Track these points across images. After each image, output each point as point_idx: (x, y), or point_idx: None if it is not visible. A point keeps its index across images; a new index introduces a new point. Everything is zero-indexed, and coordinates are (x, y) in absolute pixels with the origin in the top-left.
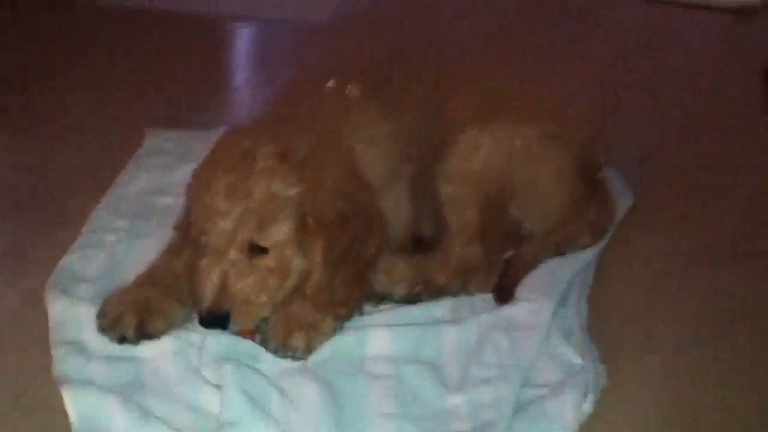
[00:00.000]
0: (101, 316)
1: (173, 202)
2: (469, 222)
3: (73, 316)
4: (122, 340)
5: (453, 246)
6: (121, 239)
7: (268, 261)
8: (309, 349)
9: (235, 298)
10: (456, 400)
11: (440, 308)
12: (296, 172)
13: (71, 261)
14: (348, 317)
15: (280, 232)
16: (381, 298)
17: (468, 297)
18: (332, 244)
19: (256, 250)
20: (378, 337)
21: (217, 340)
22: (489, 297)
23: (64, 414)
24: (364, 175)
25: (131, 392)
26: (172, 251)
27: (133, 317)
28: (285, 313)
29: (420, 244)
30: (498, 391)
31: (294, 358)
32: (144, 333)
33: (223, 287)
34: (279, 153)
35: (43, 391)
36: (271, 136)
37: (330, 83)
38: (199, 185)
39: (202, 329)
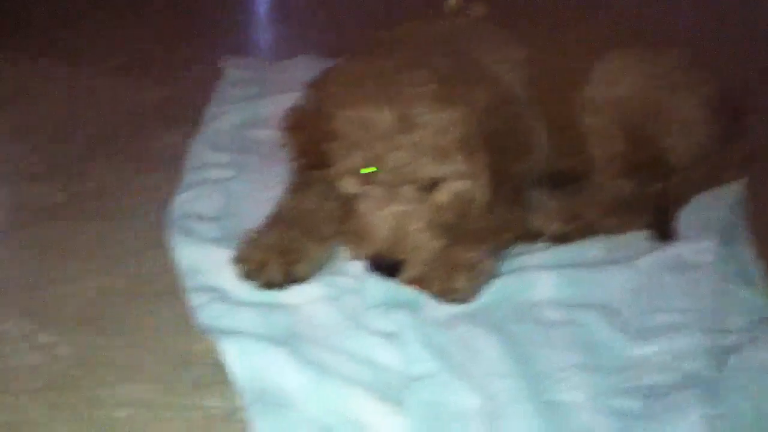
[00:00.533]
0: (242, 260)
1: (268, 135)
2: (618, 154)
3: (205, 261)
4: (269, 286)
5: (602, 181)
6: (231, 175)
7: (442, 196)
8: (473, 291)
9: (411, 242)
10: (644, 349)
11: (596, 248)
12: (454, 94)
13: (185, 200)
14: (510, 244)
15: (455, 161)
16: (534, 237)
17: (621, 235)
18: (494, 161)
19: (426, 185)
20: (542, 279)
21: (377, 285)
22: (643, 235)
23: (216, 367)
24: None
25: (290, 342)
26: (296, 188)
27: (279, 261)
28: (445, 253)
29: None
30: (691, 339)
31: (457, 301)
32: (291, 277)
33: (398, 230)
34: (434, 76)
35: (189, 343)
36: (410, 61)
37: (451, 1)
38: (339, 115)
39: (351, 272)
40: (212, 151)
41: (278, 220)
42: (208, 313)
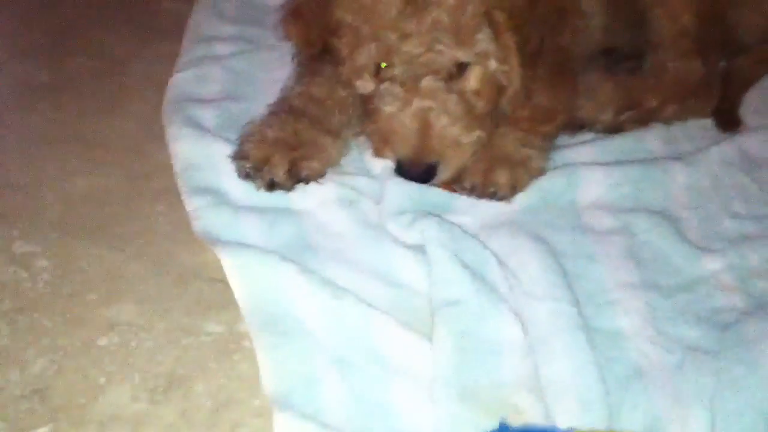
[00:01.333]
0: (241, 157)
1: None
2: (686, 29)
3: (204, 156)
4: (272, 186)
5: (666, 60)
6: (236, 51)
7: (471, 82)
8: (514, 188)
9: (444, 140)
10: (713, 264)
11: (653, 139)
12: None
13: (183, 81)
14: (555, 134)
15: (481, 40)
16: (580, 126)
17: (682, 124)
18: (525, 37)
19: (454, 74)
20: (591, 179)
21: (401, 187)
22: (708, 124)
23: (218, 285)
24: None
25: (301, 256)
26: (305, 73)
27: (283, 156)
28: (483, 148)
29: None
30: (766, 251)
31: (496, 197)
32: (298, 175)
33: (428, 128)
34: None
35: (188, 255)
36: None
37: None
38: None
39: (370, 171)
40: (217, 21)
41: (284, 108)
42: (206, 220)
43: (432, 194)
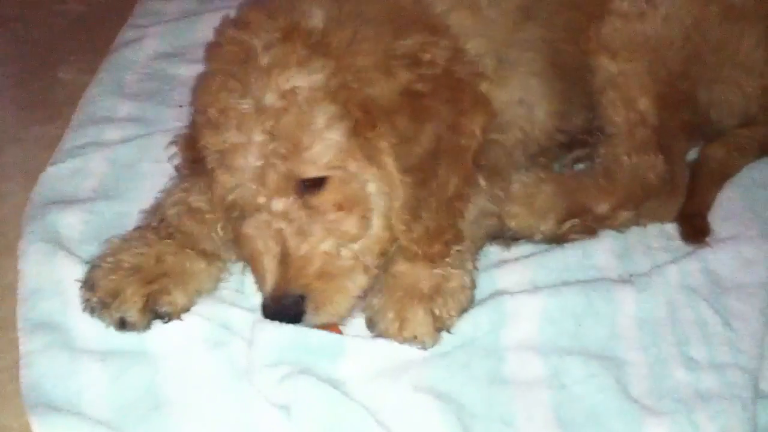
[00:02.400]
0: (88, 286)
1: (190, 72)
2: (643, 115)
3: (51, 279)
4: (122, 324)
5: (619, 154)
6: (127, 136)
7: (331, 195)
8: (439, 330)
9: (304, 270)
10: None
11: (603, 251)
12: (313, 46)
13: (56, 175)
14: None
15: (330, 144)
16: (514, 238)
17: (640, 231)
18: (405, 136)
19: (308, 188)
20: (520, 313)
21: (274, 329)
22: (671, 231)
23: None
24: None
25: (147, 422)
26: (189, 172)
27: (137, 289)
28: (392, 277)
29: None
30: (725, 418)
31: (416, 344)
32: (156, 312)
33: (285, 258)
34: (283, 30)
35: (9, 417)
36: (267, 12)
37: None
38: (199, 112)
39: (248, 303)
40: (114, 97)
41: (153, 221)
42: (37, 368)
43: (315, 337)
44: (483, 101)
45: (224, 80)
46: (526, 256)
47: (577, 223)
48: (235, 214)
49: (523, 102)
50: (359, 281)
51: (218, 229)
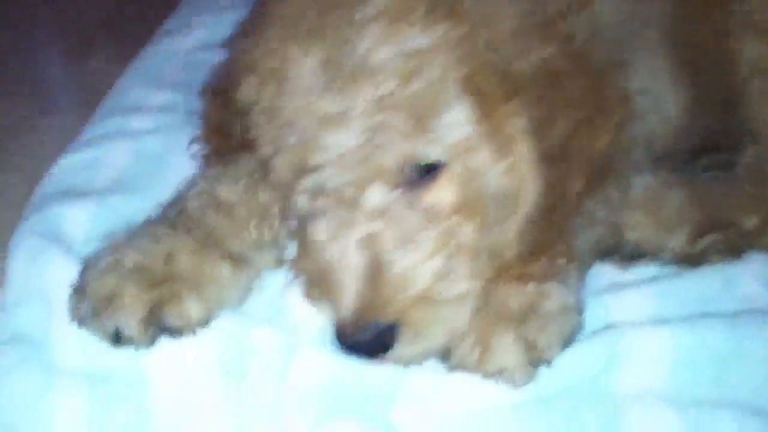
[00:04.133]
0: (79, 290)
1: None
2: None
3: (38, 283)
4: (117, 338)
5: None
6: (155, 126)
7: (447, 192)
8: (530, 367)
9: (400, 293)
10: None
11: (750, 279)
12: (443, 3)
13: (68, 166)
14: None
15: (457, 121)
16: (636, 256)
17: None
18: (540, 122)
19: (414, 181)
20: (643, 352)
21: (316, 355)
22: None
23: None
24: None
25: None
26: (217, 159)
27: (138, 294)
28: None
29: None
30: None
31: (502, 379)
32: (161, 324)
33: (374, 272)
34: None
35: None
36: None
37: None
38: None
39: (287, 319)
40: (149, 86)
41: (171, 214)
42: (9, 389)
43: (370, 374)
44: (623, 98)
45: (302, 27)
46: (650, 280)
47: (717, 239)
48: (301, 210)
49: (648, 91)
50: (463, 313)
51: (251, 228)
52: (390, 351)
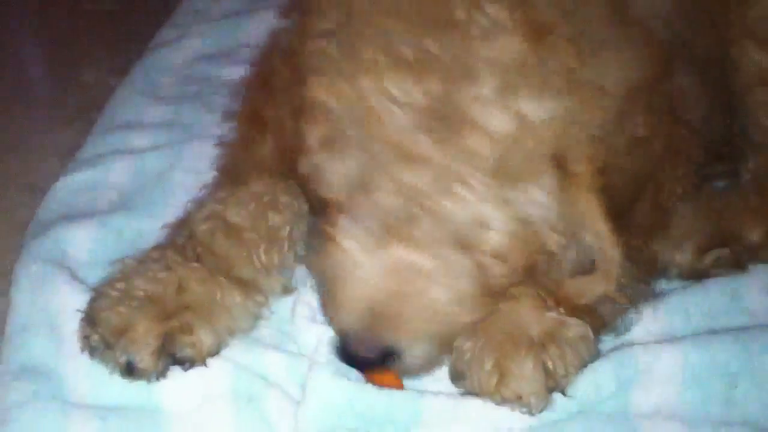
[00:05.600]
0: (90, 321)
1: (234, 74)
2: None
3: (45, 312)
4: (130, 370)
5: None
6: (157, 144)
7: (495, 239)
8: (546, 394)
9: (424, 319)
10: None
11: (755, 293)
12: (565, 71)
13: (68, 187)
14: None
15: (537, 198)
16: (649, 273)
17: None
18: (619, 199)
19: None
20: (654, 371)
21: (334, 384)
22: None
23: None
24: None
25: None
26: (227, 179)
27: (151, 326)
28: (493, 315)
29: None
30: None
31: (518, 407)
32: (173, 356)
33: (401, 292)
34: (522, 17)
35: None
36: None
37: None
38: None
39: (298, 344)
40: (146, 100)
41: (180, 238)
42: (24, 424)
43: (385, 398)
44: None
45: (402, 47)
46: (658, 297)
47: (723, 253)
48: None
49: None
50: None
51: (261, 253)
52: (387, 368)
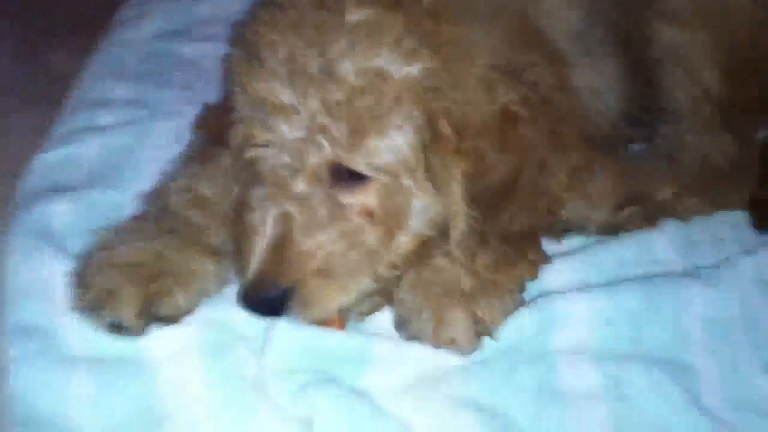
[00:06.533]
0: (79, 284)
1: (197, 51)
2: (708, 90)
3: (39, 279)
4: (117, 327)
5: (682, 134)
6: (123, 120)
7: (367, 199)
8: (480, 334)
9: (301, 264)
10: None
11: (663, 244)
12: (422, 32)
13: (45, 164)
14: (517, 290)
15: (393, 147)
16: (564, 230)
17: (706, 220)
18: (484, 166)
19: (345, 179)
20: (571, 315)
21: (292, 333)
22: (740, 221)
23: None
24: (544, 32)
25: None
26: (198, 154)
27: (135, 289)
28: (430, 271)
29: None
30: None
31: (454, 348)
32: (154, 315)
33: (283, 244)
34: None
35: None
36: None
37: None
38: (242, 54)
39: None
40: (111, 79)
41: (153, 211)
42: (21, 379)
43: (335, 341)
44: (582, 145)
45: (294, 18)
46: (576, 251)
47: (635, 211)
48: (247, 176)
49: (593, 90)
50: (362, 284)
51: (228, 222)
52: (287, 311)
